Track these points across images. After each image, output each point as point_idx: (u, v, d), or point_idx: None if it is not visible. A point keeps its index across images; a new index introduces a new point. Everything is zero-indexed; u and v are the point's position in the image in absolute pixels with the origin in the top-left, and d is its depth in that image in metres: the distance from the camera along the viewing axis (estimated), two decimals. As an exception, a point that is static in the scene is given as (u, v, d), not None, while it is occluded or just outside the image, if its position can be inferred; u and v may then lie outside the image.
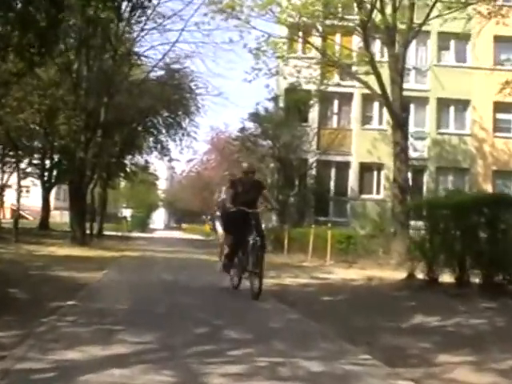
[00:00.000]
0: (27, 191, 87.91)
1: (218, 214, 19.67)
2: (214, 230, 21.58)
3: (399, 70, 31.01)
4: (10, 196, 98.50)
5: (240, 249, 15.19)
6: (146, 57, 42.09)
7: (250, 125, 44.46)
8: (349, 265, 27.66)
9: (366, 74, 33.24)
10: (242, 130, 45.04)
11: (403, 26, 31.04)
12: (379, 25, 31.01)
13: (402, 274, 20.08)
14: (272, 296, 15.12)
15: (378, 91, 31.13)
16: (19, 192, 37.95)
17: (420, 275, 18.43)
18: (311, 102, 43.38)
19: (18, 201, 37.23)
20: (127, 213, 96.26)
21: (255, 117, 43.37)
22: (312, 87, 41.68)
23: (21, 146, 42.79)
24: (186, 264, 26.84)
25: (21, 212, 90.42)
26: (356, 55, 36.53)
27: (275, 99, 43.49)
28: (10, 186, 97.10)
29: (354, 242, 30.76)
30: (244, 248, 14.88)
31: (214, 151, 64.08)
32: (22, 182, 72.20)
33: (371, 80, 31.80)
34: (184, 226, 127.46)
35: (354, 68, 36.97)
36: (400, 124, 31.02)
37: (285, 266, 26.86)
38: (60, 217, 75.29)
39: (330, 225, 30.37)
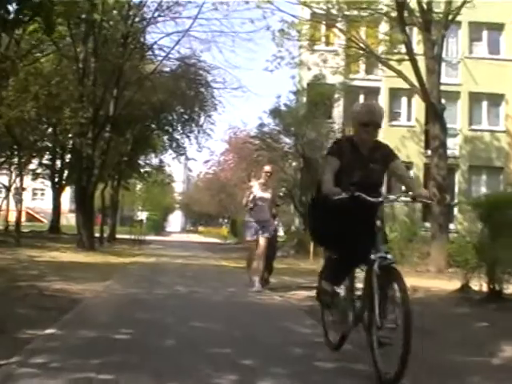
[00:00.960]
0: (42, 194, 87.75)
1: (249, 218, 16.34)
2: (246, 239, 17.59)
3: (437, 57, 27.83)
4: (25, 199, 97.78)
5: (348, 273, 7.82)
6: (159, 49, 38.62)
7: (270, 120, 41.02)
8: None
9: (399, 61, 30.09)
10: (262, 125, 41.61)
11: (438, 10, 28.44)
12: (413, 10, 27.82)
13: (448, 284, 17.44)
14: (307, 313, 12.37)
15: (411, 81, 28.13)
16: (20, 193, 34.16)
17: (475, 286, 15.37)
18: (336, 96, 39.88)
19: (20, 202, 33.51)
20: (143, 215, 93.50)
21: (277, 112, 40.00)
22: (337, 80, 38.70)
23: (25, 144, 39.36)
24: (203, 272, 23.71)
25: (35, 214, 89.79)
26: (386, 42, 33.11)
27: (298, 93, 40.12)
28: (24, 189, 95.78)
29: (390, 247, 27.36)
30: (353, 272, 7.83)
31: (231, 151, 60.61)
32: (35, 184, 70.41)
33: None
34: (200, 228, 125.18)
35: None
36: (438, 116, 27.90)
37: (312, 272, 23.51)
38: (75, 220, 71.60)
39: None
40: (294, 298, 15.19)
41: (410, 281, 19.70)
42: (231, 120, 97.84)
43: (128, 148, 43.18)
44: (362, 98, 43.36)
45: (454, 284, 16.43)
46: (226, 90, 41.37)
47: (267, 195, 15.99)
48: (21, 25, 26.47)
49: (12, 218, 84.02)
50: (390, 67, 30.19)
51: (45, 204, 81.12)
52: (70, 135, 34.29)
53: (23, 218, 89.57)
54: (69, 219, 73.53)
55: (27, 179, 59.07)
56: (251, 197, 15.81)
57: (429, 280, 20.89)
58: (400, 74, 29.20)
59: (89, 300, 12.97)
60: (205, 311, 12.37)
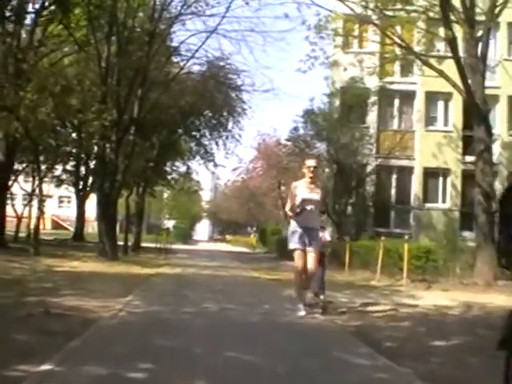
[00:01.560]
0: (68, 201, 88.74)
1: (294, 227, 13.16)
2: (289, 247, 13.44)
3: (482, 55, 25.87)
4: (51, 206, 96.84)
5: None
6: (187, 50, 36.66)
7: (303, 124, 38.86)
8: (427, 285, 22.61)
9: (441, 57, 28.20)
10: (295, 129, 39.50)
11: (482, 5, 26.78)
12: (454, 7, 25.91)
13: (503, 299, 16.43)
14: (358, 337, 10.69)
15: (453, 81, 26.44)
16: (41, 200, 32.21)
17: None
18: (370, 100, 37.83)
19: (40, 209, 31.60)
20: (170, 224, 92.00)
21: (310, 114, 37.98)
22: (372, 83, 36.71)
23: (46, 148, 37.56)
24: (234, 285, 21.55)
25: (60, 222, 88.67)
26: (425, 41, 30.97)
27: (332, 95, 38.08)
28: (50, 196, 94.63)
29: (433, 259, 25.25)
30: None
31: (260, 158, 58.61)
32: (61, 192, 68.99)
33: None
34: (228, 237, 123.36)
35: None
36: (483, 118, 25.97)
37: (350, 285, 22.35)
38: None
39: (407, 237, 24.94)
40: (339, 317, 13.38)
41: (458, 295, 17.80)
42: (260, 126, 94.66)
43: (154, 153, 41.17)
44: (396, 103, 41.38)
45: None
46: (256, 93, 39.48)
47: (315, 196, 13.05)
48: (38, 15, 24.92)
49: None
50: (431, 66, 28.12)
51: (71, 211, 77.54)
52: (94, 140, 32.16)
53: (49, 226, 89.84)
54: (94, 227, 71.78)
55: (52, 186, 58.03)
56: (297, 200, 12.84)
57: (479, 294, 19.24)
58: (441, 74, 27.16)
59: (103, 321, 11.03)
60: (240, 336, 10.39)
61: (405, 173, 40.47)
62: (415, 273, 24.73)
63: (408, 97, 41.28)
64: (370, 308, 15.44)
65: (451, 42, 25.78)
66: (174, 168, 50.36)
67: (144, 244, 47.55)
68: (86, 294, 14.63)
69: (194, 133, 45.52)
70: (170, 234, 55.58)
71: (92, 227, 79.59)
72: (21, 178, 44.74)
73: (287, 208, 13.40)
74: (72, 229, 70.87)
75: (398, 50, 31.43)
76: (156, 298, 15.48)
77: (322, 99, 38.94)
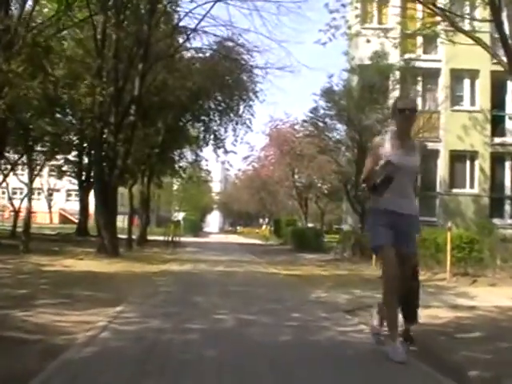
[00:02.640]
0: (76, 195, 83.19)
1: (377, 212, 7.94)
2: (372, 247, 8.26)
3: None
4: (58, 200, 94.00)
5: None
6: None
7: (322, 103, 35.28)
8: (471, 280, 19.56)
9: (480, 21, 25.07)
10: (315, 109, 35.75)
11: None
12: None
13: None
14: (427, 361, 7.76)
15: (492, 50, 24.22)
16: (30, 191, 29.35)
17: None
18: (392, 78, 34.18)
19: (30, 201, 28.51)
20: (180, 216, 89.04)
21: (329, 93, 34.34)
22: (393, 60, 33.87)
23: (41, 136, 34.42)
24: (252, 284, 17.94)
25: (68, 216, 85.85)
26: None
27: (352, 71, 34.32)
28: (58, 190, 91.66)
29: (477, 249, 21.78)
30: None
31: (272, 146, 55.16)
32: (68, 185, 66.02)
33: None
34: (239, 229, 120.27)
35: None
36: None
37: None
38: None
39: (450, 224, 21.39)
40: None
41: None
42: (275, 108, 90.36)
43: (159, 139, 37.73)
44: (420, 81, 37.98)
45: None
46: (270, 72, 35.80)
47: (413, 161, 7.94)
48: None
49: (44, 220, 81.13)
50: (467, 34, 24.65)
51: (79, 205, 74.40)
52: (87, 120, 28.66)
53: (56, 220, 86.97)
54: None
55: (59, 179, 54.90)
56: (382, 163, 7.62)
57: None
58: (479, 42, 23.81)
59: (72, 352, 7.67)
60: (271, 373, 6.99)
61: (429, 156, 36.85)
62: (456, 265, 21.34)
63: (432, 75, 38.18)
64: (423, 312, 12.17)
65: (493, 2, 22.32)
66: (182, 156, 46.51)
67: (152, 237, 44.59)
68: (68, 304, 11.68)
69: (202, 117, 41.72)
70: (179, 227, 52.18)
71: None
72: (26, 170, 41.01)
73: (364, 175, 7.98)
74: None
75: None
76: (155, 306, 12.10)
77: (341, 76, 35.20)
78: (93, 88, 24.10)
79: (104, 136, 26.70)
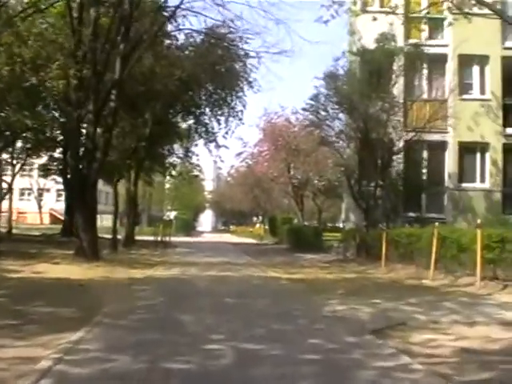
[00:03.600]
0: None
1: None
2: None
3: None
4: (48, 200, 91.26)
5: None
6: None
7: (324, 90, 32.11)
8: (502, 284, 16.67)
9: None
10: (316, 97, 32.57)
11: None
12: None
13: None
14: None
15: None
16: (10, 190, 26.61)
17: None
18: (397, 63, 31.11)
19: (10, 201, 25.75)
20: (172, 215, 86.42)
21: (332, 77, 31.22)
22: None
23: (20, 131, 31.90)
24: (251, 295, 14.97)
25: (59, 216, 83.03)
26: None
27: (358, 54, 31.01)
28: (48, 190, 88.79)
29: (510, 249, 18.91)
30: None
31: (267, 141, 52.20)
32: (59, 185, 63.64)
33: None
34: (232, 228, 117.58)
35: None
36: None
37: (400, 286, 17.25)
38: (100, 221, 66.20)
39: (479, 221, 18.49)
40: (433, 357, 8.00)
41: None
42: (268, 103, 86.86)
43: (147, 131, 34.51)
44: (425, 68, 34.97)
45: None
46: (266, 56, 32.39)
47: None
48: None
49: (34, 220, 78.55)
50: (488, 5, 21.76)
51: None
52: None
53: (47, 220, 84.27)
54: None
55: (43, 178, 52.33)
56: None
57: None
58: (501, 16, 21.11)
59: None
60: None
61: (437, 148, 34.09)
62: (483, 268, 18.53)
63: (438, 61, 34.70)
64: (469, 331, 9.50)
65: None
66: (172, 151, 43.04)
67: (142, 237, 41.79)
68: (15, 327, 9.12)
69: (193, 109, 38.46)
70: (170, 226, 49.27)
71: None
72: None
73: None
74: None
75: None
76: (129, 330, 9.29)
77: (345, 59, 32.00)
78: (66, 69, 21.01)
79: (82, 126, 23.66)
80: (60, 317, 10.17)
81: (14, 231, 44.27)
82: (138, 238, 40.43)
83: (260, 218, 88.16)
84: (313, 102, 32.32)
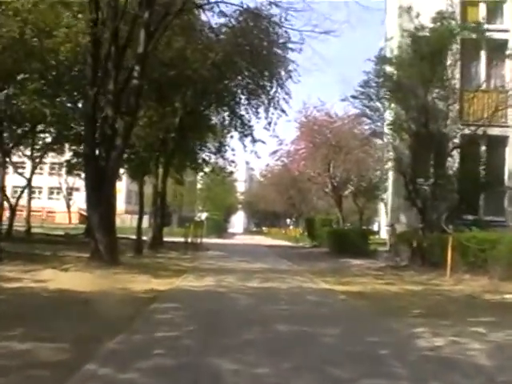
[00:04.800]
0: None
1: None
2: None
3: None
4: (78, 199, 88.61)
5: None
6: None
7: (374, 77, 28.06)
8: None
9: None
10: (366, 83, 28.51)
11: None
12: None
13: None
14: None
15: None
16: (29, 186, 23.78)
17: None
18: (454, 47, 27.13)
19: (30, 198, 23.30)
20: (203, 216, 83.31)
21: (385, 61, 27.32)
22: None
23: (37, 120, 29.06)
24: (310, 320, 10.90)
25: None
26: None
27: (417, 31, 26.94)
28: (77, 189, 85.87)
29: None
30: None
31: (304, 138, 48.45)
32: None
33: None
34: (265, 229, 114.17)
35: None
36: None
37: (482, 303, 14.18)
38: (130, 221, 64.59)
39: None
40: None
41: None
42: (307, 97, 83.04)
43: (176, 121, 30.74)
44: (483, 55, 31.00)
45: None
46: (313, 35, 28.15)
47: None
48: None
49: (63, 220, 76.02)
50: None
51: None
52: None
53: (76, 220, 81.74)
54: (124, 220, 65.57)
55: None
56: None
57: None
58: None
59: None
60: None
61: (496, 144, 30.35)
62: None
63: (498, 47, 30.43)
64: None
65: None
66: (204, 145, 38.87)
67: (172, 239, 38.01)
68: None
69: (227, 100, 34.28)
70: (201, 227, 45.57)
71: (121, 220, 71.14)
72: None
73: None
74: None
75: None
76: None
77: (400, 41, 27.98)
78: (74, 32, 17.31)
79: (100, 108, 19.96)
80: (33, 361, 6.53)
81: (37, 231, 41.55)
82: (167, 239, 36.87)
83: (293, 220, 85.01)
84: (363, 89, 28.41)
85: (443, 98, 26.78)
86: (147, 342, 8.12)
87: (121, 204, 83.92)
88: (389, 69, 27.53)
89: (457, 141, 27.67)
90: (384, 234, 60.98)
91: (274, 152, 55.39)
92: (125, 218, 70.50)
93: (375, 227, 69.42)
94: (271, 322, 10.18)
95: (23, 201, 40.67)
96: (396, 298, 14.83)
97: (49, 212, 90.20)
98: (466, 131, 27.71)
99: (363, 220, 62.10)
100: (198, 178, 79.88)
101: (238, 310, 11.94)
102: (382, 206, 66.34)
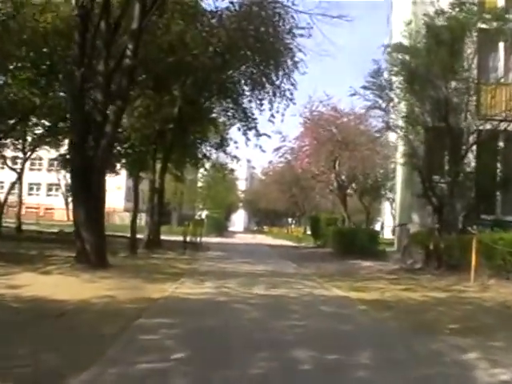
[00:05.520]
0: None
1: None
2: None
3: None
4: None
5: None
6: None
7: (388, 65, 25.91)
8: None
9: None
10: (377, 72, 26.41)
11: None
12: None
13: None
14: None
15: None
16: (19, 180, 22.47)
17: None
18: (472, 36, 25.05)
19: (20, 193, 21.96)
20: (203, 214, 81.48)
21: (400, 49, 25.20)
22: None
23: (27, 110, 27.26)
24: (333, 342, 8.82)
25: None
26: None
27: (429, 24, 24.87)
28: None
29: None
30: None
31: (309, 134, 46.22)
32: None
33: None
34: (266, 228, 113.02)
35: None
36: None
37: None
38: (130, 219, 62.74)
39: None
40: None
41: None
42: (312, 91, 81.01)
43: (175, 111, 28.59)
44: (501, 47, 28.84)
45: None
46: (324, 19, 25.98)
47: None
48: None
49: (62, 217, 74.35)
50: None
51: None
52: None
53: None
54: (123, 218, 63.96)
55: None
56: None
57: None
58: None
59: None
60: None
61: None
62: None
63: None
64: None
65: None
66: (205, 139, 36.45)
67: (171, 237, 36.00)
68: None
69: (229, 92, 31.97)
70: (201, 226, 43.60)
71: (120, 218, 69.24)
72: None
73: None
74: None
75: None
76: None
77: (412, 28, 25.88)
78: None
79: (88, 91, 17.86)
80: None
81: (32, 228, 40.47)
82: (165, 238, 34.85)
83: (295, 219, 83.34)
84: (374, 80, 26.24)
85: (462, 91, 24.76)
86: (125, 377, 6.10)
87: (121, 201, 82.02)
88: (402, 57, 25.48)
89: (475, 136, 25.67)
90: (388, 234, 59.24)
91: (277, 149, 52.92)
92: (124, 215, 69.18)
93: (377, 227, 67.30)
94: (284, 345, 8.14)
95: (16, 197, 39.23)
96: (422, 308, 12.99)
97: (47, 209, 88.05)
98: (487, 126, 25.67)
99: (362, 220, 60.07)
100: (199, 175, 77.87)
101: (243, 326, 9.82)
102: (386, 205, 64.71)
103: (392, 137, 34.83)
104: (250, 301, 12.58)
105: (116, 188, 73.04)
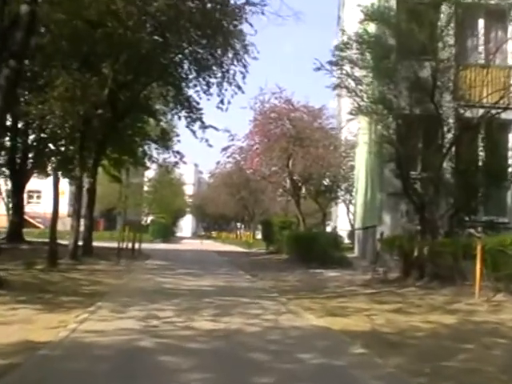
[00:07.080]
0: (38, 196, 78.23)
1: None
2: None
3: None
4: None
5: None
6: None
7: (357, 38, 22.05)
8: None
9: None
10: (345, 46, 22.09)
11: None
12: None
13: None
14: None
15: None
16: None
17: None
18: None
19: None
20: (149, 219, 79.16)
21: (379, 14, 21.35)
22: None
23: None
24: None
25: (30, 220, 74.67)
26: None
27: None
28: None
29: None
30: None
31: (259, 132, 42.54)
32: (29, 186, 56.03)
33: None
34: (214, 234, 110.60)
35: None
36: None
37: None
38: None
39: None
40: None
41: None
42: (264, 83, 79.32)
43: (105, 94, 23.46)
44: (481, 24, 25.47)
45: None
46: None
47: None
48: None
49: (4, 223, 70.16)
50: None
51: (42, 207, 69.01)
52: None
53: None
54: (66, 224, 60.32)
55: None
56: None
57: None
58: None
59: None
60: None
61: (497, 130, 23.90)
62: None
63: (498, 15, 25.60)
64: None
65: None
66: (144, 134, 32.04)
67: (111, 244, 31.86)
68: None
69: (171, 78, 27.63)
70: (140, 230, 39.49)
71: (63, 224, 65.06)
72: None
73: None
74: (42, 226, 62.01)
75: None
76: None
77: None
78: None
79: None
80: None
81: None
82: (105, 245, 31.54)
83: (244, 223, 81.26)
84: (343, 54, 22.19)
85: (439, 71, 20.95)
86: None
87: (64, 206, 78.13)
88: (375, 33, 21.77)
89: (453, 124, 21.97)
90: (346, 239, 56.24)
91: (225, 148, 48.97)
92: (67, 221, 65.55)
93: (328, 230, 64.55)
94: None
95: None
96: (438, 345, 9.06)
97: None
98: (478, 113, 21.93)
99: (312, 224, 56.80)
100: (145, 179, 76.35)
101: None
102: (339, 207, 61.96)
103: (354, 127, 31.91)
104: (188, 346, 7.99)
105: (60, 193, 69.40)
